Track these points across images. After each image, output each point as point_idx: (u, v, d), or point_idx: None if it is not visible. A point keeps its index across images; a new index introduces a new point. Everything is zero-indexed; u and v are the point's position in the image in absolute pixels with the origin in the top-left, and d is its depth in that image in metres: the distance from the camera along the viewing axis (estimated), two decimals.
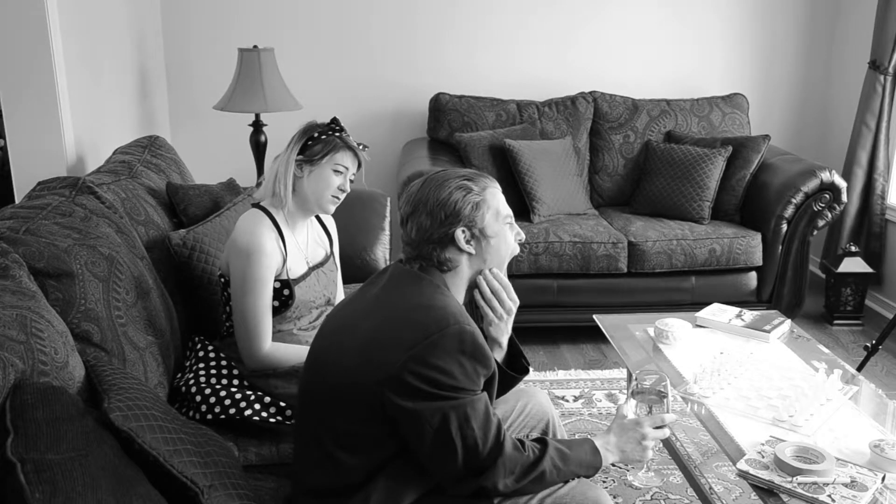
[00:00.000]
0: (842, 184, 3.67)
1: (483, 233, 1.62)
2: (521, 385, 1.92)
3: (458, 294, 1.65)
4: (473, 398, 1.49)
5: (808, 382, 2.13)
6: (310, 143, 2.09)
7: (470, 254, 1.62)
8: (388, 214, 3.13)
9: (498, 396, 1.77)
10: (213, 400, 1.95)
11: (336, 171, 2.10)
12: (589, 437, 1.69)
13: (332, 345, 1.62)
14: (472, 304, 1.71)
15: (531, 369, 3.39)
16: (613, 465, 2.08)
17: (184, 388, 2.01)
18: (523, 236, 1.72)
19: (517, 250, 1.72)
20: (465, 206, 1.59)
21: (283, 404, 1.97)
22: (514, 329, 1.81)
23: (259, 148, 3.83)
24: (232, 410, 1.93)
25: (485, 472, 1.51)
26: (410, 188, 1.65)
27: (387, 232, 3.07)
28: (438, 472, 1.54)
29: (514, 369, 1.80)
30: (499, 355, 1.74)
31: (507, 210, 1.67)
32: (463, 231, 1.60)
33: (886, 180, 4.11)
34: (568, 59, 4.43)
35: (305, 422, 1.65)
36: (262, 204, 2.12)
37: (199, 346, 2.15)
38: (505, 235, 1.66)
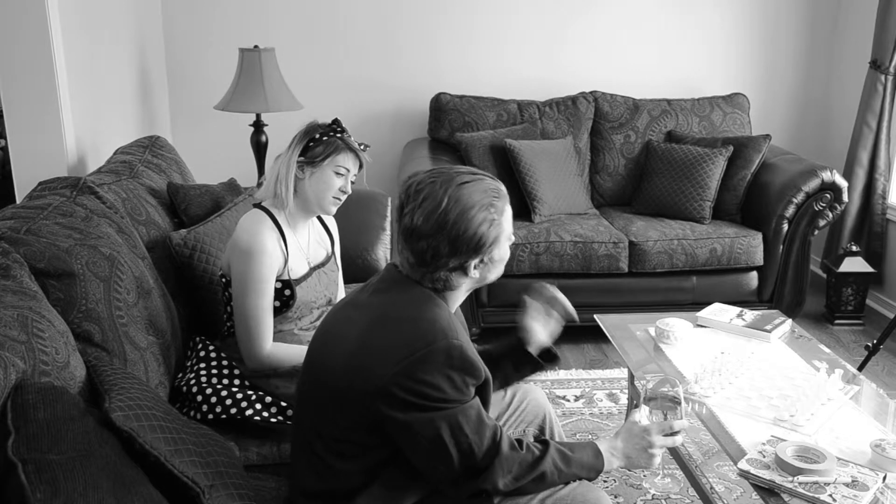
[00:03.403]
0: (843, 183, 3.67)
1: (492, 259, 1.57)
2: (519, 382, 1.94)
3: (453, 303, 1.62)
4: (464, 406, 1.49)
5: (809, 382, 2.13)
6: (311, 144, 2.09)
7: (473, 278, 1.58)
8: (388, 214, 3.13)
9: (517, 378, 1.84)
10: (214, 400, 1.95)
11: (337, 172, 2.10)
12: (595, 440, 1.68)
13: (324, 349, 1.61)
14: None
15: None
16: (627, 470, 2.07)
17: (185, 388, 2.01)
18: (512, 239, 1.66)
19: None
20: (489, 240, 1.51)
21: (284, 404, 1.97)
22: (515, 328, 1.84)
23: (260, 148, 3.83)
24: (233, 410, 1.93)
25: (482, 474, 1.51)
26: (428, 194, 1.50)
27: (388, 232, 3.08)
28: (435, 477, 1.54)
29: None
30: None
31: (511, 227, 1.62)
32: (476, 263, 1.55)
33: (887, 180, 4.11)
34: (569, 59, 4.42)
35: (301, 425, 1.65)
36: (263, 204, 2.12)
37: (200, 346, 2.15)
38: (507, 253, 1.61)
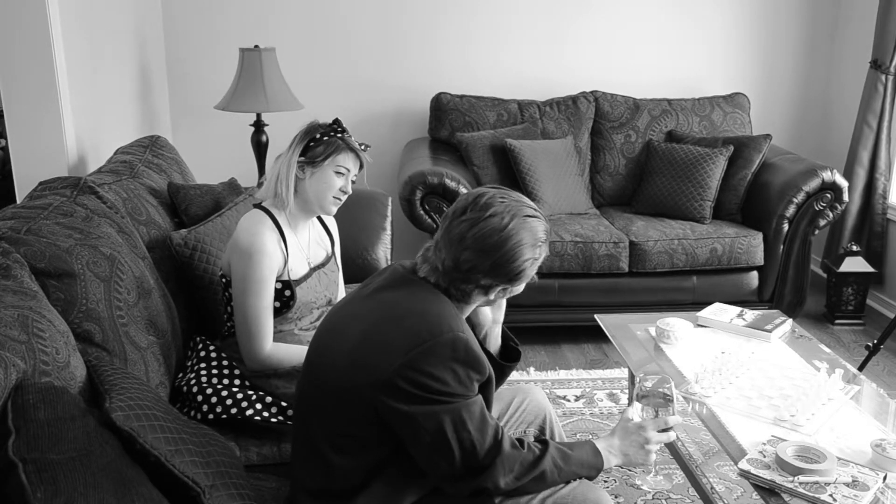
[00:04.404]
0: (843, 183, 3.67)
1: (511, 290, 1.61)
2: (518, 382, 1.93)
3: (462, 310, 1.62)
4: (468, 401, 1.49)
5: (809, 382, 2.13)
6: (312, 144, 2.09)
7: (488, 299, 1.61)
8: (389, 214, 3.13)
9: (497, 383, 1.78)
10: (214, 400, 1.95)
11: (338, 172, 2.10)
12: (592, 439, 1.69)
13: (325, 347, 1.62)
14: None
15: (532, 369, 3.40)
16: (621, 467, 2.08)
17: (185, 388, 2.01)
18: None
19: None
20: (524, 276, 1.56)
21: (284, 404, 1.97)
22: (515, 328, 1.83)
23: (260, 148, 3.83)
24: (233, 410, 1.94)
25: (484, 473, 1.51)
26: (495, 213, 1.51)
27: (388, 231, 3.07)
28: (436, 473, 1.54)
29: (507, 358, 1.82)
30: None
31: None
32: (500, 290, 1.58)
33: (888, 179, 4.11)
34: (569, 59, 4.42)
35: (301, 423, 1.66)
36: (263, 204, 2.13)
37: (200, 346, 2.15)
38: (522, 288, 1.64)
